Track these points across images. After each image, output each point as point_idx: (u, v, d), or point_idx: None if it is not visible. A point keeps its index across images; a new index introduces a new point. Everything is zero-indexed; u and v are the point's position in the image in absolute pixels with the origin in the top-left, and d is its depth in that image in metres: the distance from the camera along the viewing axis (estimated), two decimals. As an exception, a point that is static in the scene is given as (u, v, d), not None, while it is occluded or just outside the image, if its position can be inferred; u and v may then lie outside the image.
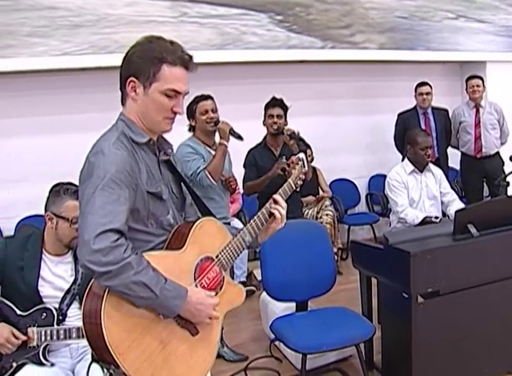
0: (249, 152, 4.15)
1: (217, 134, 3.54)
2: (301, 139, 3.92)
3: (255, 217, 1.91)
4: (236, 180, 3.69)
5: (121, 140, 1.63)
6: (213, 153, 3.51)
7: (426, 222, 3.81)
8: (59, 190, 2.31)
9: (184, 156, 3.38)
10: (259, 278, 3.66)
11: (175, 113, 1.69)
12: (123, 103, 1.72)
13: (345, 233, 5.79)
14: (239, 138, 3.43)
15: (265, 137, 4.18)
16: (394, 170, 4.13)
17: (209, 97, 3.54)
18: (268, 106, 4.13)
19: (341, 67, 5.92)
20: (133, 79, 1.65)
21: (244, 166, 4.13)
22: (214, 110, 3.52)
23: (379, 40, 5.93)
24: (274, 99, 4.14)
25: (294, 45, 5.50)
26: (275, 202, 1.94)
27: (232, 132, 3.45)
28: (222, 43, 5.20)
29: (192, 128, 3.61)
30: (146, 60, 1.63)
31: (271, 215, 1.93)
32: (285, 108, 4.12)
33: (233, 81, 5.42)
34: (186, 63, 1.66)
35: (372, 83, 6.18)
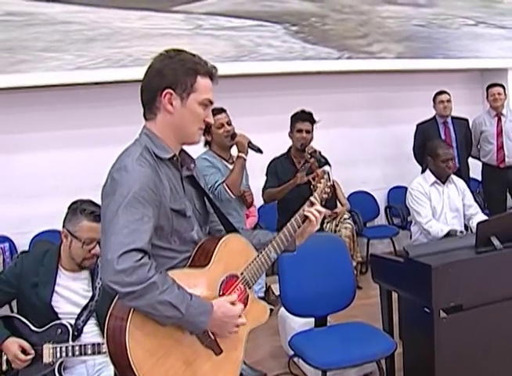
0: (272, 161, 4.17)
1: (233, 147, 3.56)
2: (321, 160, 3.93)
3: (282, 231, 1.93)
4: (251, 194, 3.69)
5: (144, 156, 1.65)
6: (230, 167, 3.53)
7: (450, 235, 3.78)
8: (77, 209, 2.34)
9: (201, 170, 3.39)
10: (277, 293, 3.65)
11: (205, 124, 1.75)
12: (148, 117, 1.74)
13: (364, 246, 5.77)
14: (259, 151, 3.45)
15: (290, 148, 4.19)
16: (416, 181, 4.11)
17: (222, 110, 3.56)
18: (296, 119, 4.13)
19: (358, 78, 5.94)
20: (170, 91, 1.67)
21: (266, 174, 4.15)
22: (229, 123, 3.54)
23: (396, 49, 5.95)
24: (303, 112, 4.14)
25: (310, 56, 5.54)
26: (312, 205, 1.97)
27: (251, 145, 3.46)
28: (237, 55, 5.26)
29: (207, 143, 3.63)
30: (182, 72, 1.66)
31: (305, 218, 1.96)
32: (313, 122, 4.13)
33: (249, 93, 5.46)
34: (213, 75, 1.73)
35: (390, 93, 6.19)
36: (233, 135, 3.49)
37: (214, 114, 3.48)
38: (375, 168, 6.19)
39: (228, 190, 3.38)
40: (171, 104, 1.68)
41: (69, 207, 2.37)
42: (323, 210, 1.99)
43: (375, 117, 6.16)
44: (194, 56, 1.72)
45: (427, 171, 4.14)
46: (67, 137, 5.01)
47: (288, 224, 1.94)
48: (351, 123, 6.06)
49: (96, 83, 4.84)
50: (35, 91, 4.81)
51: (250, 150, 3.48)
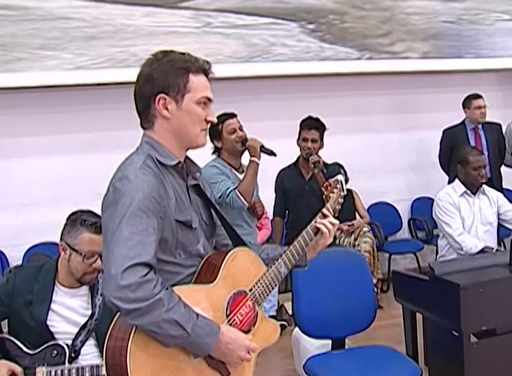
0: (279, 173, 4.20)
1: (244, 156, 3.58)
2: (324, 170, 3.95)
3: (293, 244, 1.94)
4: (262, 205, 3.70)
5: (148, 164, 1.67)
6: (240, 176, 3.56)
7: (484, 252, 3.73)
8: (76, 220, 2.33)
9: (210, 177, 3.42)
10: (290, 312, 3.64)
11: (208, 123, 1.76)
12: (145, 126, 1.77)
13: (385, 262, 5.74)
14: (272, 154, 3.50)
15: (298, 158, 4.22)
16: (445, 191, 4.08)
17: (234, 115, 3.61)
18: (303, 127, 4.16)
19: (380, 80, 5.93)
20: (163, 95, 1.69)
21: (275, 189, 4.17)
22: (241, 129, 3.58)
23: (422, 48, 5.93)
24: (310, 118, 4.17)
25: (328, 57, 5.55)
26: (324, 216, 1.99)
27: (264, 149, 3.50)
28: (249, 55, 5.28)
29: (217, 151, 3.64)
30: (172, 73, 1.69)
31: (317, 231, 1.97)
32: (322, 129, 4.14)
33: (261, 96, 5.47)
34: (206, 70, 1.76)
35: (414, 96, 6.16)
36: (245, 141, 3.52)
37: (225, 119, 3.53)
38: (397, 177, 6.17)
39: (241, 197, 3.40)
40: (167, 109, 1.70)
41: (68, 219, 2.37)
42: (336, 222, 2.01)
43: (397, 121, 6.14)
44: (184, 54, 1.75)
45: (457, 181, 4.10)
46: (66, 142, 5.04)
47: (299, 237, 1.95)
48: (372, 128, 6.04)
49: (98, 84, 4.87)
50: (31, 92, 4.83)
51: (263, 155, 3.51)
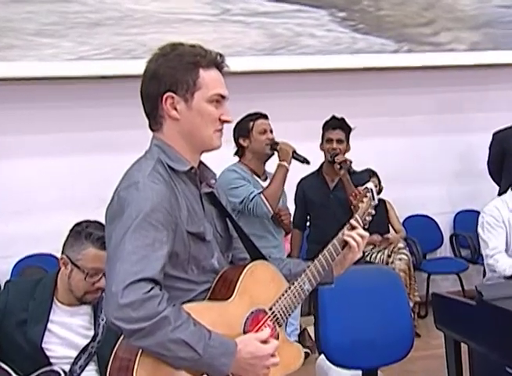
0: (300, 182, 4.21)
1: (268, 163, 3.62)
2: (353, 170, 3.95)
3: (318, 259, 1.95)
4: (289, 214, 3.71)
5: (158, 170, 1.69)
6: (262, 183, 3.59)
7: None
8: (81, 232, 2.33)
9: (230, 182, 3.45)
10: (314, 337, 3.63)
11: (223, 123, 1.78)
12: (154, 128, 1.79)
13: (423, 283, 5.70)
14: (305, 161, 3.58)
15: (322, 165, 4.23)
16: (493, 204, 4.02)
17: (267, 116, 3.70)
18: (326, 128, 4.18)
19: (420, 75, 5.91)
20: (170, 94, 1.72)
21: (294, 199, 4.19)
22: (272, 131, 3.64)
23: (470, 38, 5.89)
24: (334, 118, 4.20)
25: (361, 49, 5.56)
26: (352, 228, 2.00)
27: (296, 155, 3.58)
28: (272, 47, 5.30)
29: (240, 151, 3.67)
30: (180, 69, 1.72)
31: (345, 244, 1.98)
32: (347, 130, 4.16)
33: (284, 93, 5.47)
34: (219, 63, 1.78)
35: (460, 94, 6.12)
36: (274, 144, 3.57)
37: (257, 118, 3.62)
38: (438, 186, 6.13)
39: (267, 203, 3.41)
40: (176, 109, 1.73)
41: (71, 230, 2.38)
42: (366, 234, 2.02)
43: (440, 123, 6.10)
44: (194, 46, 1.77)
45: (509, 193, 4.04)
46: (65, 141, 5.07)
47: (325, 251, 1.97)
48: (410, 131, 6.01)
49: (101, 77, 4.91)
50: (25, 84, 4.86)
51: (293, 162, 3.56)
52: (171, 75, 1.71)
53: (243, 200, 3.43)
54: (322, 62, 5.43)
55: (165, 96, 1.71)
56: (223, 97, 1.77)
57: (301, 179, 4.26)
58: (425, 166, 6.06)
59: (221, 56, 1.79)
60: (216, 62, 1.77)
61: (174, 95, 1.71)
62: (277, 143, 3.61)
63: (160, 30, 4.94)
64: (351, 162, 4.05)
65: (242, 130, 3.63)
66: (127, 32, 4.94)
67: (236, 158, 3.76)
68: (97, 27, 4.89)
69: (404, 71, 5.81)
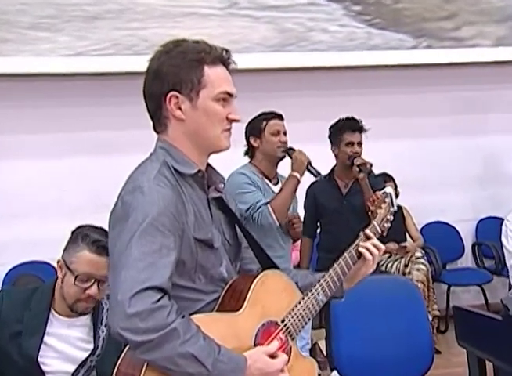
0: (310, 186, 4.21)
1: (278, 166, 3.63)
2: (374, 174, 3.96)
3: (333, 268, 1.96)
4: (301, 222, 3.71)
5: (164, 174, 1.70)
6: (273, 188, 3.60)
7: None
8: (78, 235, 2.34)
9: (238, 187, 3.46)
10: (325, 352, 3.62)
11: (231, 123, 1.79)
12: (158, 129, 1.80)
13: (443, 295, 5.69)
14: (318, 175, 3.57)
15: (333, 168, 4.22)
16: (517, 210, 4.01)
17: (282, 116, 3.70)
18: (344, 130, 4.17)
19: (440, 73, 5.90)
20: (174, 94, 1.72)
21: (304, 205, 4.18)
22: (286, 133, 3.64)
23: (496, 33, 5.87)
24: (353, 120, 4.17)
25: (377, 45, 5.57)
26: (367, 238, 2.01)
27: (311, 167, 3.59)
28: (282, 43, 5.31)
29: (250, 151, 3.68)
30: (184, 67, 1.72)
31: (360, 255, 1.98)
32: (362, 132, 4.17)
33: (295, 92, 5.49)
34: (225, 59, 1.79)
35: (483, 93, 6.10)
36: (289, 150, 3.59)
37: (272, 117, 3.63)
38: (458, 191, 6.11)
39: (273, 214, 3.42)
40: (180, 109, 1.74)
41: (72, 233, 2.39)
42: (382, 246, 2.02)
43: (461, 124, 6.08)
44: (198, 42, 1.78)
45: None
46: (62, 142, 5.09)
47: (340, 260, 1.97)
48: (427, 132, 5.99)
49: (101, 74, 4.93)
50: (19, 80, 4.90)
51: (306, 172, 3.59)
52: (174, 74, 1.71)
53: (248, 208, 3.43)
54: (335, 59, 5.45)
55: (169, 96, 1.72)
56: (230, 95, 1.78)
57: (312, 184, 4.25)
58: (445, 170, 6.04)
59: (227, 51, 1.80)
60: (222, 58, 1.78)
61: (178, 94, 1.72)
62: (293, 150, 3.62)
63: (163, 24, 4.96)
64: (371, 165, 4.04)
65: (254, 129, 3.64)
66: (128, 26, 4.96)
67: (246, 159, 3.76)
68: (96, 21, 4.91)
69: (423, 69, 5.81)
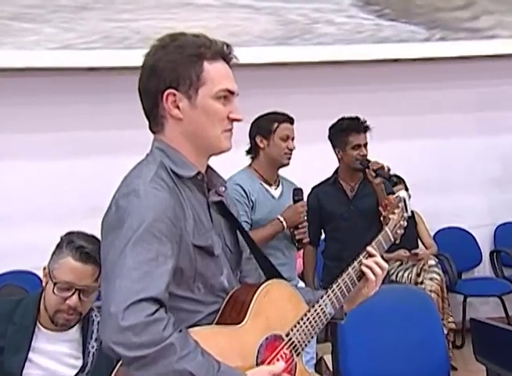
0: (312, 190, 4.21)
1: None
2: (393, 178, 3.94)
3: (341, 278, 1.96)
4: (307, 233, 3.71)
5: (161, 176, 1.70)
6: (272, 192, 3.66)
7: None
8: (64, 241, 2.34)
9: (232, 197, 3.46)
10: (331, 367, 3.62)
11: (233, 122, 1.80)
12: (154, 129, 1.81)
13: (459, 306, 5.69)
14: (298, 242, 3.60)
15: (336, 171, 4.23)
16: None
17: (293, 121, 3.72)
18: (348, 132, 4.16)
19: (456, 67, 5.90)
20: (171, 91, 1.73)
21: (307, 211, 4.18)
22: (293, 139, 3.67)
23: (517, 23, 5.83)
24: (357, 120, 4.17)
25: (387, 38, 5.57)
26: (370, 256, 2.01)
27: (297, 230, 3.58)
28: (285, 36, 5.33)
29: (253, 151, 3.69)
30: (181, 62, 1.73)
31: (362, 274, 1.99)
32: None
33: (299, 88, 5.50)
34: (226, 54, 1.80)
35: (501, 88, 6.10)
36: (299, 197, 3.60)
37: (284, 120, 3.62)
38: (475, 194, 6.12)
39: None
40: (178, 107, 1.74)
41: (61, 239, 2.39)
42: (386, 266, 2.02)
43: (478, 122, 6.09)
44: (197, 36, 1.78)
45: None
46: (48, 142, 5.10)
47: (344, 275, 1.98)
48: (440, 131, 5.99)
49: (90, 69, 4.93)
50: (2, 76, 4.89)
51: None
52: (171, 70, 1.72)
53: None
54: (342, 53, 5.46)
55: (166, 94, 1.73)
56: (232, 93, 1.78)
57: (314, 188, 4.24)
58: (460, 171, 6.04)
59: (228, 46, 1.80)
60: (222, 53, 1.78)
61: (175, 92, 1.73)
62: (302, 196, 3.64)
63: (156, 15, 4.96)
64: (389, 169, 4.03)
65: (263, 128, 3.63)
66: (118, 18, 4.96)
67: (247, 161, 3.75)
68: (84, 12, 4.92)
69: (436, 63, 5.81)
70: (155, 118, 1.78)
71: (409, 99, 5.84)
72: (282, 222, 3.55)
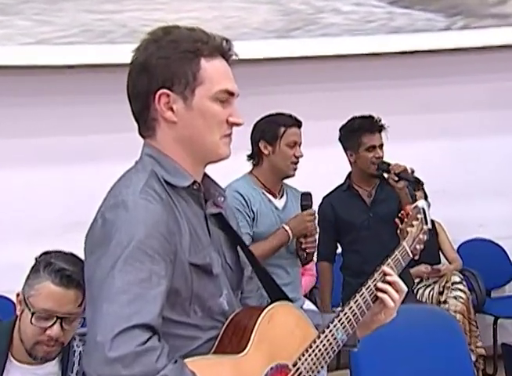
0: (325, 199, 4.21)
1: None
2: (417, 181, 3.94)
3: (354, 300, 1.95)
4: (315, 244, 3.70)
5: (152, 186, 1.69)
6: (276, 203, 3.66)
7: None
8: (41, 262, 2.32)
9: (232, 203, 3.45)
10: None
11: (232, 127, 1.80)
12: (145, 133, 1.80)
13: (489, 329, 5.66)
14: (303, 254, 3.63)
15: (349, 175, 4.23)
16: None
17: (301, 124, 3.71)
18: (361, 132, 4.17)
19: (479, 59, 5.91)
20: (165, 91, 1.73)
21: (318, 222, 4.17)
22: (300, 145, 3.67)
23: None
24: (371, 118, 4.17)
25: (400, 27, 5.59)
26: (384, 275, 1.99)
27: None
28: (286, 27, 5.33)
29: (256, 157, 3.68)
30: (176, 59, 1.73)
31: (376, 298, 1.97)
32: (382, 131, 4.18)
33: (302, 85, 5.52)
34: (225, 50, 1.80)
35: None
36: (308, 202, 3.61)
37: (292, 125, 3.62)
38: (504, 201, 6.11)
39: None
40: (172, 110, 1.74)
41: (36, 260, 2.38)
42: (404, 288, 1.99)
43: (505, 120, 6.09)
44: (193, 30, 1.78)
45: None
46: (22, 148, 5.08)
47: (358, 296, 1.96)
48: (462, 130, 6.00)
49: (69, 66, 4.93)
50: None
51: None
52: (164, 67, 1.72)
53: None
54: (350, 45, 5.47)
55: (158, 94, 1.72)
56: (231, 94, 1.78)
57: (326, 196, 4.22)
58: (486, 176, 6.03)
59: (227, 41, 1.80)
60: (221, 49, 1.78)
61: (169, 92, 1.72)
62: (310, 204, 3.62)
63: (143, 6, 4.97)
64: (413, 171, 4.03)
65: (267, 133, 3.60)
66: (100, 9, 4.96)
67: (248, 167, 3.75)
68: (61, 2, 4.91)
69: (457, 54, 5.80)
70: (145, 122, 1.78)
71: (426, 96, 5.86)
72: (287, 231, 3.54)
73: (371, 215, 4.15)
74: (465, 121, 6.01)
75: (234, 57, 1.82)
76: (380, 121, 4.17)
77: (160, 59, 1.72)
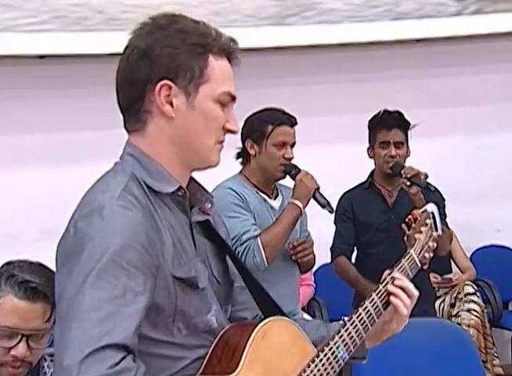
0: (344, 195, 4.22)
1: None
2: (430, 188, 3.99)
3: (356, 313, 1.94)
4: (312, 250, 3.70)
5: (131, 191, 1.68)
6: (271, 202, 3.65)
7: None
8: (3, 274, 2.29)
9: (226, 208, 3.41)
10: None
11: (225, 134, 1.80)
12: (131, 127, 1.79)
13: (506, 346, 5.69)
14: (328, 207, 3.59)
15: (372, 174, 4.24)
16: None
17: (295, 121, 3.67)
18: (377, 127, 4.19)
19: (495, 46, 5.93)
20: (167, 83, 1.72)
21: (335, 220, 4.17)
22: (293, 145, 3.62)
23: None
24: (387, 113, 4.20)
25: (407, 13, 5.60)
26: (393, 279, 1.99)
27: (318, 196, 3.57)
28: (281, 14, 5.34)
29: (244, 157, 3.68)
30: (184, 50, 1.72)
31: (387, 305, 1.97)
32: (407, 127, 4.17)
33: (300, 77, 5.53)
34: (231, 52, 1.79)
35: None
36: (293, 171, 3.56)
37: (282, 122, 3.60)
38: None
39: (263, 252, 3.40)
40: (171, 104, 1.73)
41: None
42: (415, 293, 1.99)
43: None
44: (198, 23, 1.78)
45: None
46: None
47: (367, 303, 1.96)
48: (477, 126, 6.04)
49: (40, 57, 4.93)
50: None
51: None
52: (170, 57, 1.71)
53: (232, 239, 3.41)
54: (352, 33, 5.49)
55: (160, 85, 1.71)
56: (233, 98, 1.79)
57: (346, 192, 4.23)
58: (502, 176, 6.06)
59: (234, 42, 1.80)
60: (228, 50, 1.78)
61: (172, 84, 1.72)
62: (297, 170, 3.58)
63: (122, -9, 4.97)
64: (426, 176, 4.02)
65: (254, 132, 3.57)
66: (74, -7, 4.97)
67: (238, 168, 3.74)
68: (31, -15, 4.93)
69: (470, 41, 5.83)
70: (136, 113, 1.76)
71: (437, 88, 5.89)
72: (294, 203, 3.53)
73: (392, 216, 4.15)
74: (480, 115, 6.04)
75: (236, 61, 1.81)
76: (398, 115, 4.17)
77: (167, 47, 1.71)
